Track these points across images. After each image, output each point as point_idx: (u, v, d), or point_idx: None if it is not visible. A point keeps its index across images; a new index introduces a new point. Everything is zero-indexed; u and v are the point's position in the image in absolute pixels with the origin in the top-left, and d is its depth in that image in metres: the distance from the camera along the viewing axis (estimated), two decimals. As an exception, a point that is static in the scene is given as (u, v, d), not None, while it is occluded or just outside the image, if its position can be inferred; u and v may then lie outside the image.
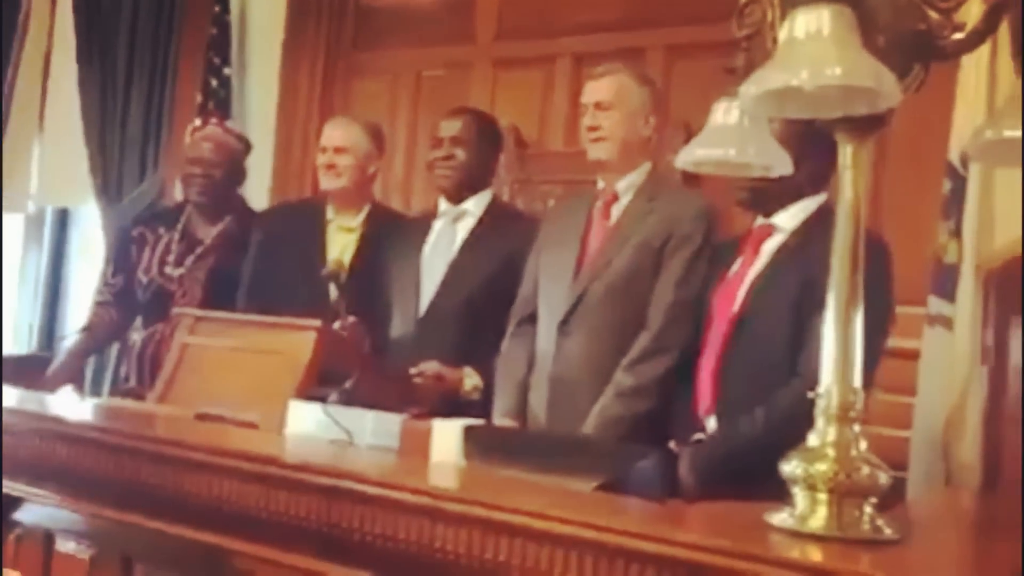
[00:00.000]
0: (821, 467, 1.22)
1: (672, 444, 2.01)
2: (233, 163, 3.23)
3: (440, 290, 2.55)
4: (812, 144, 1.90)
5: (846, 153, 1.31)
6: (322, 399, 1.85)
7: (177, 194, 3.68)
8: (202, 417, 1.88)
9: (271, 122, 4.29)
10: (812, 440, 1.26)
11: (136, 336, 3.10)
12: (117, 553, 1.82)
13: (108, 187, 4.79)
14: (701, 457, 1.78)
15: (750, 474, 1.54)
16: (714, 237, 2.25)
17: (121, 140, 4.76)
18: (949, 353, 2.44)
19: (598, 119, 2.32)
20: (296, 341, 2.00)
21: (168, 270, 3.11)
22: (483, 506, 1.31)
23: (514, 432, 2.11)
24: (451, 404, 2.31)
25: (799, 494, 1.24)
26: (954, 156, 2.48)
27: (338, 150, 2.84)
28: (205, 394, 2.04)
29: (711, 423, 2.01)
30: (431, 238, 2.66)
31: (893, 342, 2.40)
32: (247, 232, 3.06)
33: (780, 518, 1.24)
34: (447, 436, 1.60)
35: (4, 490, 1.89)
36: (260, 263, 2.89)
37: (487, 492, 1.37)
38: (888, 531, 1.21)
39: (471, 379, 2.45)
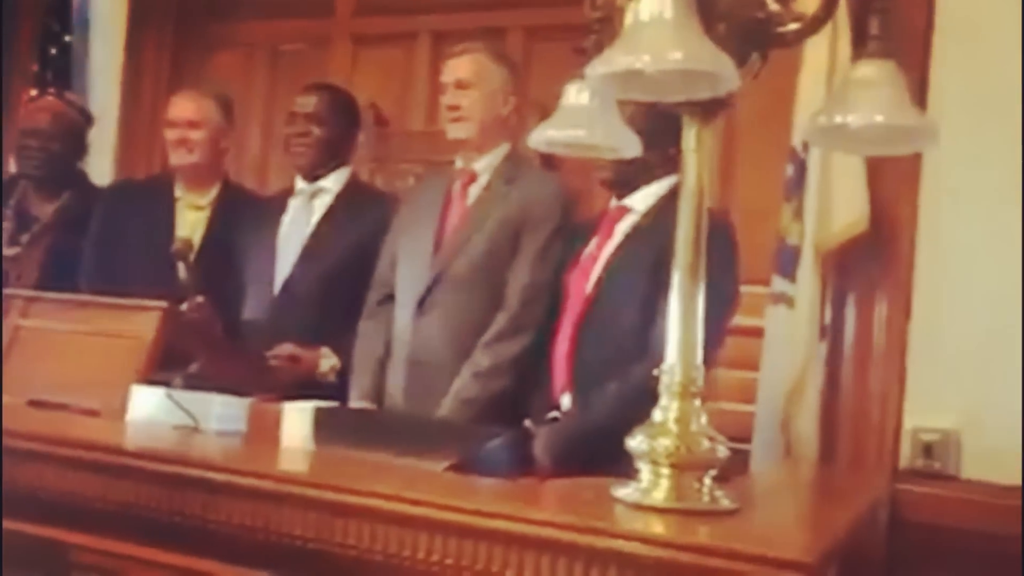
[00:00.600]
0: (664, 442, 1.26)
1: (528, 423, 2.04)
2: (72, 136, 3.07)
3: (295, 269, 2.51)
4: (662, 126, 1.94)
5: (689, 136, 1.35)
6: (168, 383, 1.79)
7: (11, 168, 3.47)
8: (37, 404, 1.79)
9: (116, 94, 4.10)
10: (656, 416, 1.30)
11: (-34, 320, 2.92)
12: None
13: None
14: (554, 435, 1.81)
15: (603, 451, 1.58)
16: (570, 218, 2.29)
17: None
18: (791, 330, 2.56)
19: (458, 98, 2.32)
20: (139, 322, 1.92)
21: (2, 249, 2.94)
22: (332, 489, 1.30)
23: (365, 414, 2.10)
24: (308, 386, 2.27)
25: (643, 468, 1.28)
26: (796, 140, 2.60)
27: (190, 124, 2.75)
28: (41, 380, 1.94)
29: (566, 401, 2.05)
30: (287, 216, 2.61)
31: (739, 320, 2.50)
32: (88, 209, 2.92)
33: (625, 492, 1.28)
34: (297, 419, 1.57)
35: None
36: (103, 242, 2.77)
37: (336, 475, 1.36)
38: (726, 502, 1.26)
39: (328, 360, 2.42)
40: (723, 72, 1.18)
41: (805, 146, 2.57)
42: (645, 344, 1.96)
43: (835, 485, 2.17)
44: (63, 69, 4.15)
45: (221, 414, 1.67)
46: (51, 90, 3.24)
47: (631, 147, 1.51)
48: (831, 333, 2.60)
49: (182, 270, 2.49)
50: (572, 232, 2.26)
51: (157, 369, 1.92)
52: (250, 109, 3.81)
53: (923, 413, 2.62)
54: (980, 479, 2.53)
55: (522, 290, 2.22)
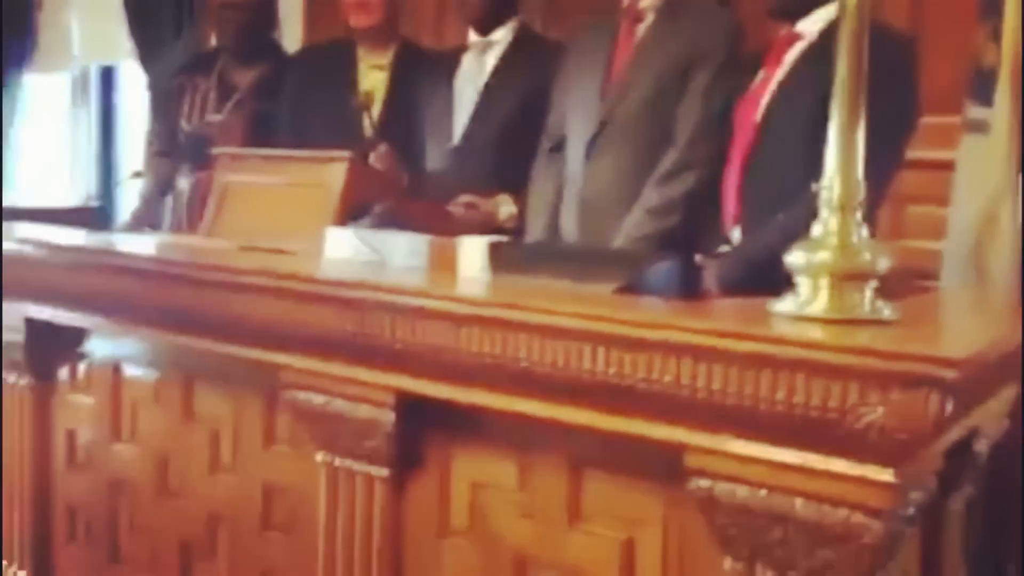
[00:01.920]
0: (823, 254, 1.27)
1: (699, 257, 2.06)
2: (265, 8, 3.24)
3: (472, 120, 2.58)
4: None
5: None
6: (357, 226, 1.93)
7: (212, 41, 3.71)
8: (248, 248, 1.98)
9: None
10: (815, 230, 1.30)
11: (184, 183, 3.20)
12: (179, 374, 1.97)
13: (145, 43, 4.83)
14: (724, 264, 1.83)
15: (771, 278, 1.59)
16: (739, 51, 2.23)
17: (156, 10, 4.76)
18: (985, 158, 2.43)
19: None
20: (329, 172, 2.07)
21: (209, 116, 3.18)
22: (505, 307, 1.40)
23: (537, 245, 2.18)
24: (487, 232, 2.38)
25: (802, 282, 1.29)
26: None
27: (368, -15, 2.83)
28: (248, 227, 2.14)
29: (736, 235, 2.05)
30: (461, 69, 2.67)
31: (930, 153, 2.39)
32: (282, 76, 3.10)
33: (783, 305, 1.30)
34: (473, 251, 1.67)
35: (72, 322, 2.04)
36: (294, 104, 2.94)
37: (509, 296, 1.45)
38: (887, 312, 1.26)
39: (506, 206, 2.51)
40: None
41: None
42: (816, 173, 1.92)
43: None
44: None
45: (405, 249, 1.80)
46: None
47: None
48: (1028, 160, 2.44)
49: (366, 122, 2.63)
50: (741, 65, 2.21)
51: (348, 216, 2.07)
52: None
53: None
54: None
55: (691, 126, 2.20)
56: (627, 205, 2.24)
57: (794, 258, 1.30)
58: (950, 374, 1.05)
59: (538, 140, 2.50)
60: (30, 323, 2.12)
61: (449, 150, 2.61)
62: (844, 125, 1.29)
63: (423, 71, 2.81)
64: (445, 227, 2.31)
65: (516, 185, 2.51)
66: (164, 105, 3.34)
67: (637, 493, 1.42)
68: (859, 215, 1.29)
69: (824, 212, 1.30)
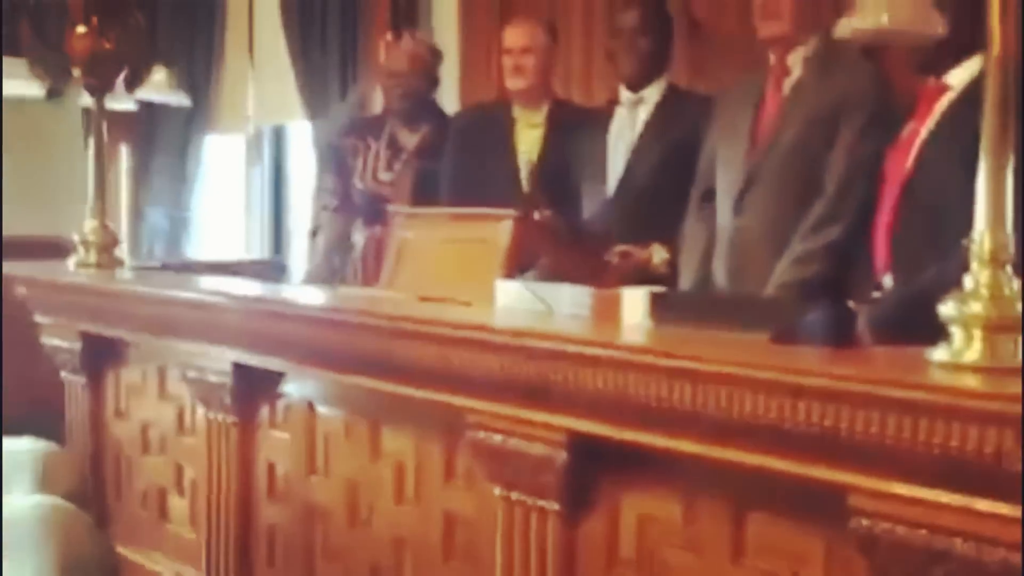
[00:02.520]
0: (975, 306, 1.33)
1: (851, 304, 2.12)
2: (427, 73, 3.48)
3: (625, 172, 2.73)
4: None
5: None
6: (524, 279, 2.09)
7: (377, 104, 3.99)
8: (425, 299, 2.16)
9: (455, 28, 4.50)
10: (967, 282, 1.37)
11: (358, 237, 3.46)
12: (367, 414, 2.16)
13: (315, 103, 5.19)
14: (876, 309, 1.89)
15: (926, 326, 1.65)
16: (888, 105, 2.29)
17: (322, 58, 5.13)
18: None
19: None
20: (497, 229, 2.23)
21: (380, 176, 3.44)
22: (665, 355, 1.51)
23: (695, 295, 2.28)
24: (643, 280, 2.50)
25: (955, 332, 1.36)
26: None
27: (524, 50, 3.03)
28: (422, 280, 2.32)
29: (888, 282, 2.10)
30: (614, 125, 2.82)
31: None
32: (444, 136, 3.33)
33: (938, 354, 1.37)
34: (635, 301, 1.79)
35: (272, 366, 2.27)
36: (457, 163, 3.15)
37: (672, 345, 1.57)
38: (1038, 360, 1.31)
39: (659, 254, 2.64)
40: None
41: None
42: (968, 222, 1.96)
43: None
44: (410, 10, 4.64)
45: (570, 300, 1.94)
46: (406, 33, 3.63)
47: (935, 26, 1.54)
48: None
49: (527, 186, 2.81)
50: (891, 118, 2.26)
51: (515, 269, 2.23)
52: (570, 24, 4.02)
53: None
54: None
55: (839, 177, 2.28)
56: (777, 255, 2.32)
57: (947, 309, 1.37)
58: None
59: (687, 191, 2.62)
60: (236, 367, 2.37)
61: (604, 201, 2.75)
62: (992, 178, 1.36)
63: (576, 126, 2.98)
64: (602, 277, 2.46)
65: (668, 234, 2.63)
66: (338, 165, 3.62)
67: (798, 531, 1.50)
68: (1009, 268, 1.35)
69: (975, 265, 1.36)
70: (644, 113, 2.77)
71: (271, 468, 2.39)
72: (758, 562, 1.55)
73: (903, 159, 2.12)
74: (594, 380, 1.63)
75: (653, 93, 2.78)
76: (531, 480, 1.77)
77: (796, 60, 2.41)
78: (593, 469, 1.73)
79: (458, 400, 1.85)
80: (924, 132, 2.10)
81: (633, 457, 1.66)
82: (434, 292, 2.24)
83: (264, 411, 2.40)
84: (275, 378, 2.35)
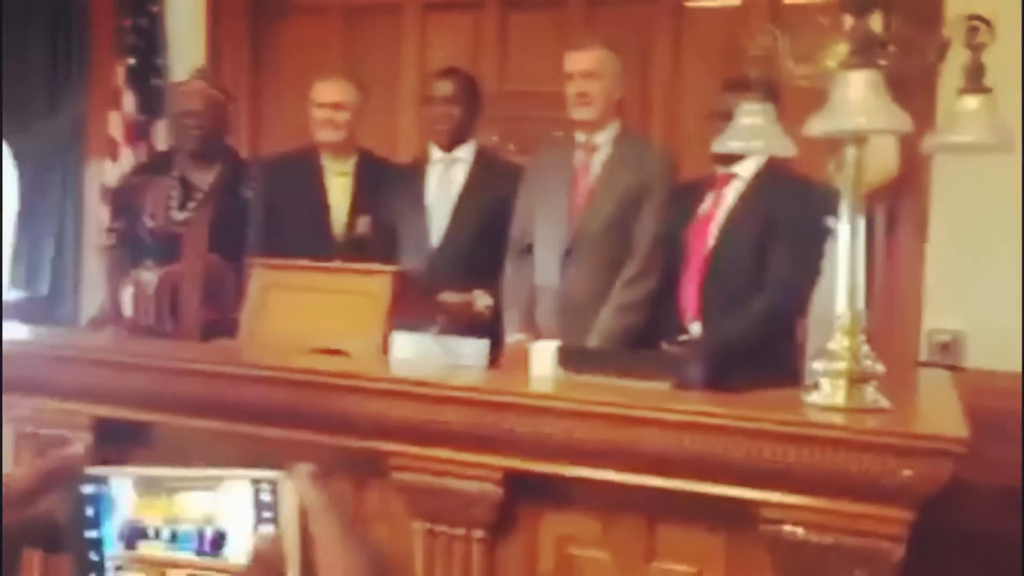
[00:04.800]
0: (840, 364, 1.77)
1: (664, 345, 2.56)
2: (221, 113, 3.44)
3: (450, 226, 2.96)
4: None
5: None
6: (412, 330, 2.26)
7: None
8: (318, 351, 2.24)
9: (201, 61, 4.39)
10: (832, 345, 1.81)
11: (148, 276, 3.31)
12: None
13: (13, 122, 4.70)
14: (708, 347, 2.33)
15: (742, 358, 2.10)
16: (677, 185, 2.76)
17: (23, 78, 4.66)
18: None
19: (584, 86, 2.75)
20: (374, 283, 2.37)
21: (173, 215, 3.33)
22: (582, 402, 1.80)
23: (598, 349, 2.55)
24: (470, 324, 2.76)
25: (824, 382, 1.79)
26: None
27: (336, 106, 3.13)
28: (291, 331, 2.39)
29: (695, 328, 2.56)
30: (431, 182, 3.04)
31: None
32: (240, 177, 3.32)
33: (813, 398, 1.79)
34: (544, 354, 2.06)
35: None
36: (267, 206, 3.17)
37: (588, 392, 1.86)
38: (884, 402, 1.78)
39: (483, 300, 2.90)
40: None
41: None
42: (760, 281, 2.48)
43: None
44: (151, 37, 4.43)
45: (471, 352, 2.15)
46: (195, 75, 3.53)
47: (788, 150, 1.98)
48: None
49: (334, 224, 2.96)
50: (681, 191, 2.74)
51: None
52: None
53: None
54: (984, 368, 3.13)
55: (647, 241, 2.71)
56: (598, 304, 2.70)
57: (820, 365, 1.80)
58: (959, 448, 1.58)
59: (502, 243, 2.91)
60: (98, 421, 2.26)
61: (428, 251, 2.96)
62: (850, 268, 1.81)
63: (385, 178, 3.14)
64: (438, 320, 2.67)
65: (489, 282, 2.91)
66: (121, 200, 3.44)
67: (703, 537, 1.86)
68: (862, 335, 1.81)
69: (838, 333, 1.81)
70: (462, 171, 3.02)
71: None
72: (668, 564, 1.89)
73: (704, 231, 2.60)
74: (527, 425, 1.87)
75: (466, 154, 3.04)
76: (460, 513, 1.96)
77: (602, 139, 2.81)
78: (517, 500, 1.96)
79: (386, 446, 1.99)
80: (721, 212, 2.59)
81: (550, 487, 1.92)
82: (307, 342, 2.32)
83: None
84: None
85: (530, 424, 1.87)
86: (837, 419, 1.72)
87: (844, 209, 1.96)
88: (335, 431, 2.02)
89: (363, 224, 2.79)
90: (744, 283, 2.47)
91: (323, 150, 3.21)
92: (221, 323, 3.20)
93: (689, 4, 3.72)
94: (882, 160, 3.06)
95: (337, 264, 2.51)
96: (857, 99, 1.58)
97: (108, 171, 4.12)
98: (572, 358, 2.02)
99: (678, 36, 3.67)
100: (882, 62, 1.64)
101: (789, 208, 2.48)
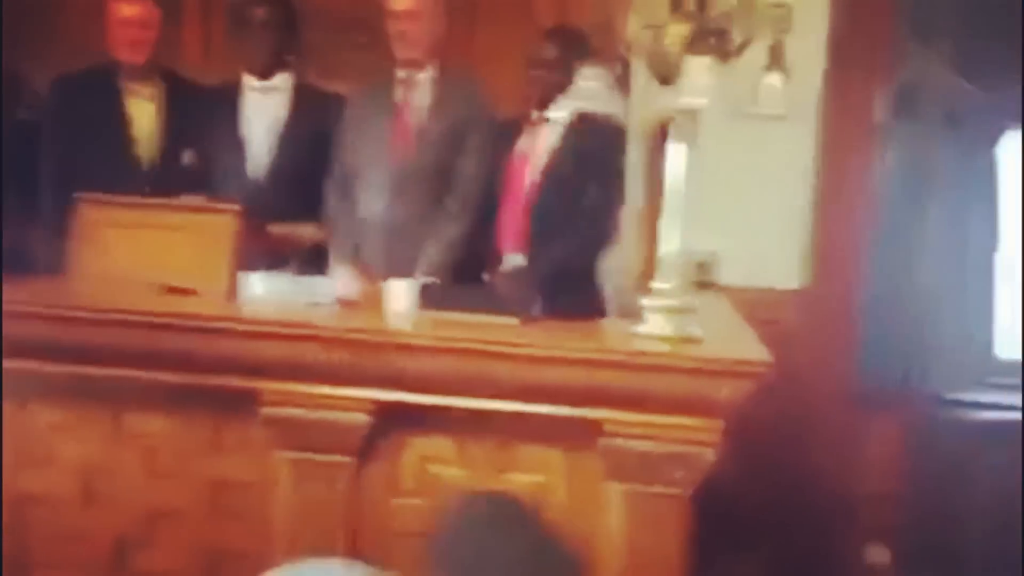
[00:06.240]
0: (667, 300, 2.13)
1: (485, 276, 2.85)
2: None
3: (274, 158, 3.01)
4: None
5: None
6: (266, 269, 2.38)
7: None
8: (169, 289, 2.30)
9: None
10: (658, 284, 2.15)
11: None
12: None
13: None
14: (541, 276, 2.64)
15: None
16: (495, 126, 3.00)
17: None
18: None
19: (406, 24, 2.90)
20: (218, 220, 2.43)
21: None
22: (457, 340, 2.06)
23: (450, 287, 2.68)
24: (296, 253, 2.89)
25: (651, 316, 2.15)
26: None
27: (142, 24, 3.04)
28: (121, 268, 2.39)
29: (516, 259, 2.86)
30: (247, 110, 3.06)
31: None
32: (14, 91, 3.16)
33: (643, 328, 2.15)
34: (400, 291, 2.27)
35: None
36: (59, 135, 3.06)
37: (449, 329, 2.11)
38: (699, 332, 2.16)
39: (308, 231, 3.01)
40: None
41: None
42: (575, 215, 2.81)
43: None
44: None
45: (323, 291, 2.31)
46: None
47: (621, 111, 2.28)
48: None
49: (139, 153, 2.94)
50: (499, 129, 2.99)
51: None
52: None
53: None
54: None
55: (469, 178, 2.95)
56: (422, 238, 2.91)
57: (646, 301, 2.15)
58: (765, 369, 2.00)
59: (322, 174, 3.03)
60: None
61: (247, 182, 3.01)
62: (675, 218, 2.15)
63: (196, 105, 3.12)
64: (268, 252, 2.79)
65: (312, 213, 3.02)
66: None
67: (547, 452, 2.18)
68: (685, 275, 2.17)
69: (664, 273, 2.16)
70: (280, 101, 3.06)
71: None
72: (515, 475, 2.20)
73: (522, 169, 2.88)
74: (395, 360, 2.09)
75: (283, 83, 3.08)
76: (328, 442, 2.15)
77: (423, 78, 2.98)
78: (382, 428, 2.18)
79: (256, 383, 2.13)
80: (540, 152, 2.87)
81: (415, 414, 2.16)
82: (151, 280, 2.37)
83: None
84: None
85: (397, 359, 2.09)
86: (665, 348, 2.09)
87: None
88: (207, 371, 2.13)
89: (188, 156, 2.78)
90: (562, 217, 2.79)
91: (124, 71, 3.11)
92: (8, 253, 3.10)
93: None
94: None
95: (180, 201, 2.53)
96: (700, 82, 1.90)
97: None
98: (430, 296, 2.24)
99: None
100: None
101: (599, 149, 2.81)
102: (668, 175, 2.14)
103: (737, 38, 2.03)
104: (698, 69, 1.83)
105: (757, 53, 2.25)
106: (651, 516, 2.11)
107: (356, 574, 1.90)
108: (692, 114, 2.07)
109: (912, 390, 3.77)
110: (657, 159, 3.59)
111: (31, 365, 2.20)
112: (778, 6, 2.03)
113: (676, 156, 2.13)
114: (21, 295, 2.24)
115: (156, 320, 2.12)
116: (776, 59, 2.10)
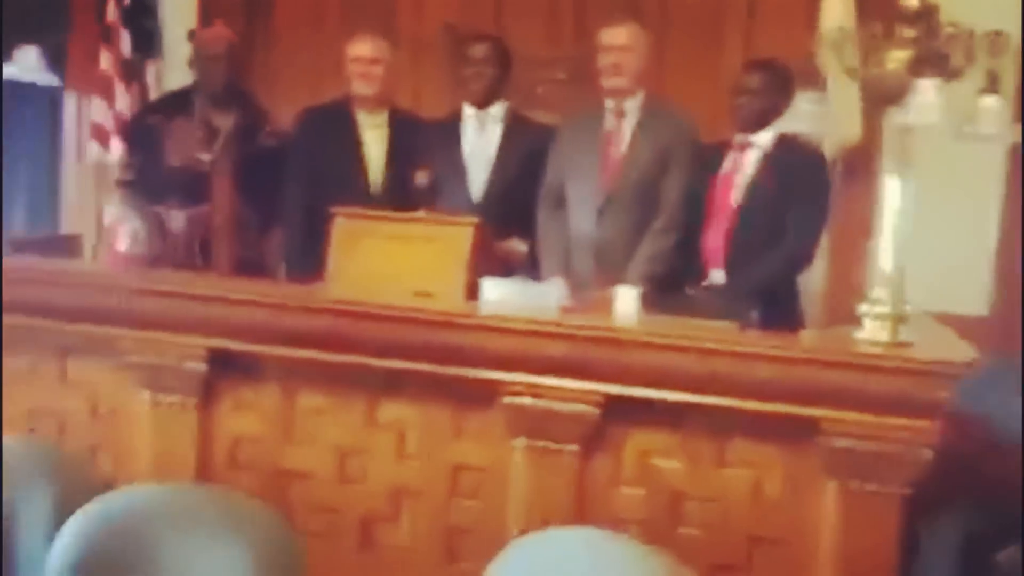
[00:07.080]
0: (884, 308, 2.29)
1: (688, 290, 3.06)
2: (237, 58, 3.67)
3: (490, 180, 3.33)
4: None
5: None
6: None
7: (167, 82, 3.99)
8: (419, 294, 2.61)
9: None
10: (876, 293, 2.31)
11: (177, 216, 3.54)
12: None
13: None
14: (740, 288, 2.83)
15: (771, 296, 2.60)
16: (701, 149, 3.23)
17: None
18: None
19: (617, 58, 3.17)
20: (458, 232, 2.73)
21: (199, 156, 3.56)
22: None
23: (674, 295, 2.96)
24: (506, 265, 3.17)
25: (869, 323, 2.30)
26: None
27: (372, 61, 3.44)
28: (375, 275, 2.72)
29: (718, 276, 3.06)
30: (467, 137, 3.40)
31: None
32: (257, 123, 3.60)
33: (862, 335, 2.30)
34: (627, 297, 2.50)
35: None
36: (304, 156, 3.46)
37: (676, 329, 2.32)
38: (912, 338, 2.30)
39: (520, 246, 3.30)
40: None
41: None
42: (778, 239, 2.99)
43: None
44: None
45: (557, 295, 2.58)
46: (217, 22, 3.73)
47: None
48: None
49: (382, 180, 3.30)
50: (704, 153, 3.21)
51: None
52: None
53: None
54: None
55: (674, 198, 3.18)
56: (629, 252, 3.15)
57: (864, 308, 2.31)
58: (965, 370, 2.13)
59: (535, 197, 3.32)
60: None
61: (469, 202, 3.33)
62: (894, 235, 2.31)
63: (420, 133, 3.48)
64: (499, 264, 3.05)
65: (522, 230, 3.31)
66: (138, 138, 3.65)
67: (764, 449, 2.36)
68: (903, 286, 2.32)
69: (883, 284, 2.31)
70: (496, 128, 3.39)
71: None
72: (736, 470, 2.38)
73: (726, 190, 3.09)
74: (624, 356, 2.32)
75: (499, 113, 3.41)
76: (560, 431, 2.39)
77: (631, 106, 3.24)
78: (608, 420, 2.41)
79: (497, 375, 2.39)
80: (743, 175, 3.07)
81: (639, 408, 2.37)
82: (399, 285, 2.68)
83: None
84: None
85: (624, 355, 2.31)
86: (886, 352, 2.24)
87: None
88: (453, 363, 2.41)
89: (422, 176, 3.11)
90: (765, 236, 2.98)
91: (357, 103, 3.51)
92: (249, 260, 3.51)
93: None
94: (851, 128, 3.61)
95: (425, 215, 2.85)
96: (929, 101, 2.07)
97: (97, 107, 4.25)
98: (650, 301, 2.47)
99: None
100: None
101: (801, 172, 3.00)
102: (887, 193, 2.30)
103: (957, 62, 2.20)
104: (926, 89, 2.00)
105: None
106: (867, 514, 2.25)
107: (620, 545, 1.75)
108: (910, 132, 2.24)
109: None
110: (846, 182, 3.78)
111: (301, 354, 2.53)
112: (997, 33, 2.17)
113: (894, 175, 2.29)
114: (287, 294, 2.59)
115: (410, 316, 2.41)
116: (993, 83, 2.24)
